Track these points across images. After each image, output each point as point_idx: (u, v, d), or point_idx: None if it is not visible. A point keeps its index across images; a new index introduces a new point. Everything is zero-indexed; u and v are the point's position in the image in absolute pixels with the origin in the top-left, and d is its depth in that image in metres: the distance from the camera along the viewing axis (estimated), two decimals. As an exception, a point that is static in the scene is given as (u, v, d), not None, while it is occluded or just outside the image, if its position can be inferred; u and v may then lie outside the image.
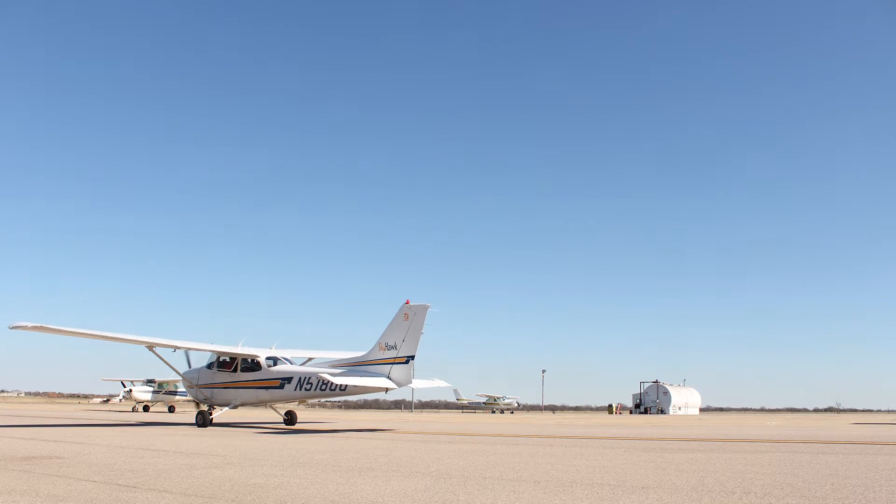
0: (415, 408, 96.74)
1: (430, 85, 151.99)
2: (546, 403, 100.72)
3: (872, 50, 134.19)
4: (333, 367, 19.79)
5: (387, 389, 18.43)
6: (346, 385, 18.38)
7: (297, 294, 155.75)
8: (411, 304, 18.73)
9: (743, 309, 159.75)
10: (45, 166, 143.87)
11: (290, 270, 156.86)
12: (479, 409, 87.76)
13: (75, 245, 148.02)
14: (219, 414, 21.18)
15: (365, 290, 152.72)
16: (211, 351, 21.51)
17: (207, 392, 21.82)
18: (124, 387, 51.99)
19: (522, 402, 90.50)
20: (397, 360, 18.46)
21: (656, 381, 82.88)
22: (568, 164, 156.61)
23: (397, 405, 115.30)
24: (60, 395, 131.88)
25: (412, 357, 18.43)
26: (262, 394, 20.80)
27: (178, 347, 21.26)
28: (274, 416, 29.18)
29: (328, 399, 33.10)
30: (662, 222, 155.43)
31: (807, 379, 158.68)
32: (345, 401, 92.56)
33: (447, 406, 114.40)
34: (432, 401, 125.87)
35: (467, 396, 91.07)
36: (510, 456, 10.34)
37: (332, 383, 18.63)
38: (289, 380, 20.22)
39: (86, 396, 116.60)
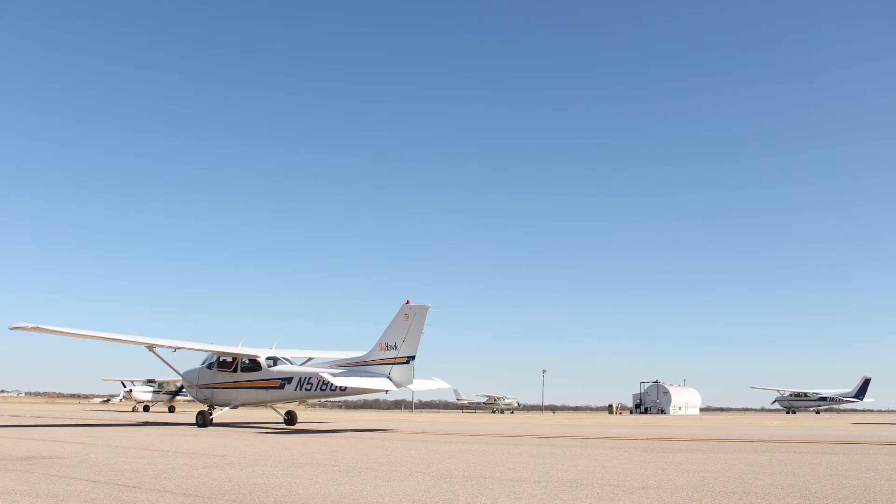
0: (415, 408, 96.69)
1: (429, 81, 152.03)
2: (546, 403, 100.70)
3: (872, 49, 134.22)
4: (334, 367, 19.76)
5: (387, 390, 18.41)
6: (347, 386, 18.35)
7: (297, 294, 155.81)
8: (412, 304, 18.71)
9: (743, 309, 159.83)
10: (44, 164, 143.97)
11: (290, 269, 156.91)
12: (479, 409, 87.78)
13: (75, 245, 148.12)
14: (219, 414, 21.17)
15: (365, 290, 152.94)
16: (211, 351, 21.50)
17: (208, 392, 21.82)
18: (124, 387, 52.02)
19: (522, 402, 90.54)
20: (398, 361, 18.44)
21: (656, 381, 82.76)
22: (568, 161, 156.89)
23: (397, 405, 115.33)
24: (60, 395, 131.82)
25: (413, 357, 18.41)
26: (263, 394, 20.79)
27: (179, 347, 21.24)
28: (274, 416, 29.18)
29: (328, 399, 33.09)
30: (662, 221, 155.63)
31: (806, 379, 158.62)
32: (345, 401, 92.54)
33: (447, 406, 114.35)
34: (432, 401, 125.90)
35: (467, 396, 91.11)
36: (510, 456, 10.34)
37: (332, 384, 18.61)
38: (289, 380, 20.21)
39: (86, 396, 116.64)
